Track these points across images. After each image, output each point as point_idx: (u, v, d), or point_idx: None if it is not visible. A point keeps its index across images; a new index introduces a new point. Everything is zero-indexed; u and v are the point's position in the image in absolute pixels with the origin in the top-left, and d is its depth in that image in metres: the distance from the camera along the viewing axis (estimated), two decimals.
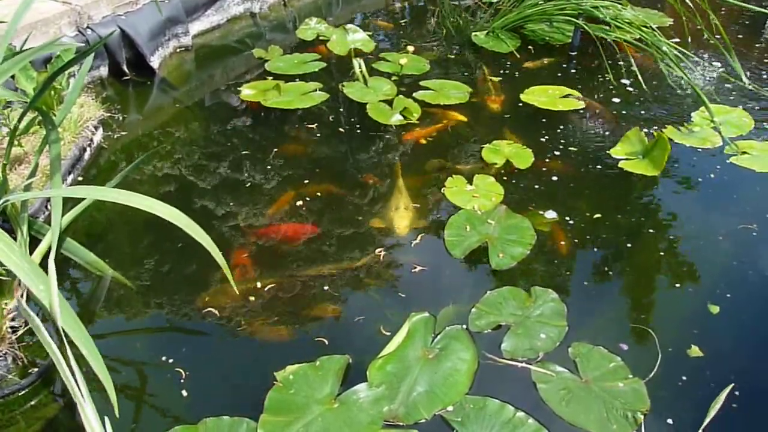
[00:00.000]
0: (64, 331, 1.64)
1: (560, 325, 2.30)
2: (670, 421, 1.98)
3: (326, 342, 2.24)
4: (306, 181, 3.08)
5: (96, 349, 1.66)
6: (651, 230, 2.82)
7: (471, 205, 2.91)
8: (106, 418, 1.66)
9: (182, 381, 2.09)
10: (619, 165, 3.22)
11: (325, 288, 2.47)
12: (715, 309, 2.39)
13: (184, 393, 2.06)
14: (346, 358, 2.14)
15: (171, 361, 2.16)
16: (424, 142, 3.43)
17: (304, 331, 2.30)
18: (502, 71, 4.22)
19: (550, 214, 2.88)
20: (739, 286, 2.51)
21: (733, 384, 2.03)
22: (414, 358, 2.16)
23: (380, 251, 2.65)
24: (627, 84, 4.07)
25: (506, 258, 2.62)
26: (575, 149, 3.38)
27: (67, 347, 1.66)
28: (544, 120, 3.64)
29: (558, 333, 2.27)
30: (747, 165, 3.23)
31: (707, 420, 1.90)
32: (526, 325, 2.29)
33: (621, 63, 3.96)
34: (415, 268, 2.57)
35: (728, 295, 2.45)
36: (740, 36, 4.90)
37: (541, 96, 3.87)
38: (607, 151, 3.35)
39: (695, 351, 2.21)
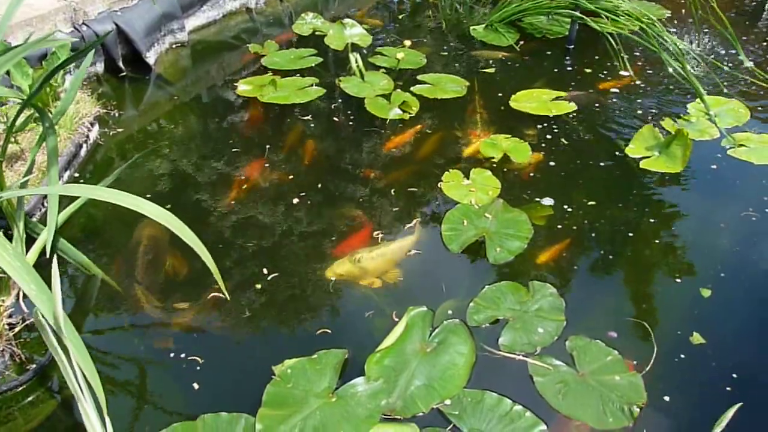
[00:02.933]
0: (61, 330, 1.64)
1: (558, 319, 2.30)
2: (666, 398, 2.02)
3: (329, 331, 2.27)
4: (299, 178, 3.07)
5: (85, 349, 1.66)
6: (652, 220, 2.83)
7: (468, 200, 2.90)
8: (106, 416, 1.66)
9: (198, 370, 2.10)
10: (641, 165, 3.18)
11: (324, 282, 2.47)
12: (706, 293, 2.42)
13: (195, 386, 2.06)
14: (344, 352, 2.14)
15: (181, 355, 2.16)
16: (420, 136, 3.43)
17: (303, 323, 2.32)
18: (493, 64, 4.22)
19: (547, 201, 2.90)
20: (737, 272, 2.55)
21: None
22: (412, 351, 2.16)
23: (378, 234, 2.68)
24: (625, 76, 4.06)
25: (504, 252, 2.61)
26: (572, 143, 3.37)
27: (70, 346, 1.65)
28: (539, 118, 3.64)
29: (556, 327, 2.26)
30: (745, 157, 3.23)
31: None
32: (524, 320, 2.29)
33: (623, 55, 3.95)
34: (411, 251, 2.61)
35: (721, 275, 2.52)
36: (737, 25, 4.88)
37: (530, 101, 3.73)
38: (612, 143, 3.36)
39: (697, 338, 2.22)
